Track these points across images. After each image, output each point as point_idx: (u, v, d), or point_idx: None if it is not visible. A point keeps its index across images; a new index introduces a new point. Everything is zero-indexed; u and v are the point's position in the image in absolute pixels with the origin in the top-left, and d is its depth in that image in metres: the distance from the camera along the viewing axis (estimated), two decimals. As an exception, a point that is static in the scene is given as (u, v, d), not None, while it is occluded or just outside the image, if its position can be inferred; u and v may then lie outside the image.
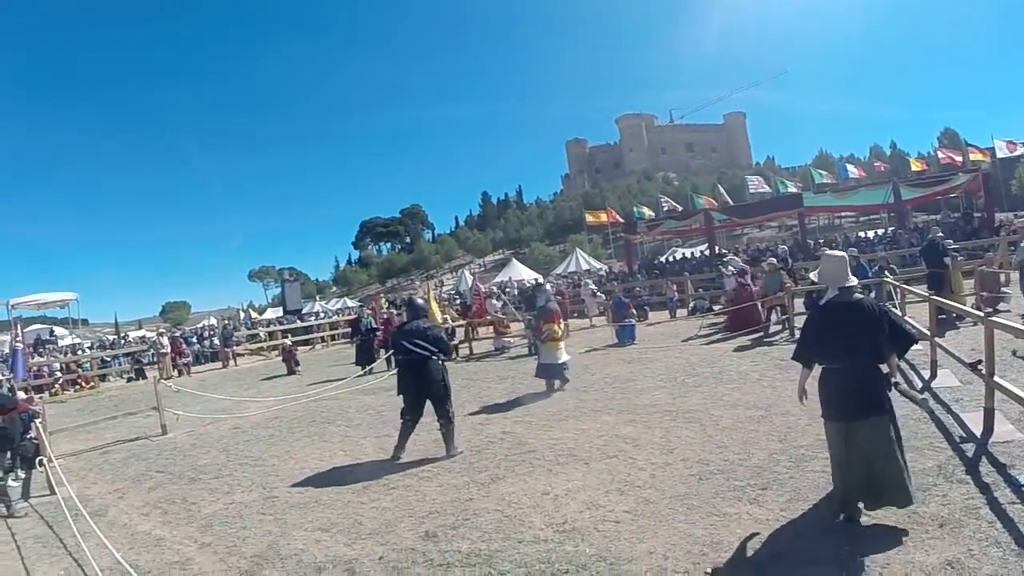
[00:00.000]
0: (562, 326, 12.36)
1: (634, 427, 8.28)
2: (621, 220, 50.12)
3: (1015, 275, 14.33)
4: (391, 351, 17.61)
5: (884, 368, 4.93)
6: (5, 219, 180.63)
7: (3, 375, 10.04)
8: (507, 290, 35.24)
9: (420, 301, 9.58)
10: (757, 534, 4.81)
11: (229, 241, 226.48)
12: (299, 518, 6.29)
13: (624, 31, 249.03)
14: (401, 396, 8.34)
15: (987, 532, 4.39)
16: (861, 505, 4.84)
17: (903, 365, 8.99)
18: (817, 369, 5.09)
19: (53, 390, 21.98)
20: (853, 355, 4.82)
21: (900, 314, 11.21)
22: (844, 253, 5.57)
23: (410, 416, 8.20)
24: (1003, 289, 14.70)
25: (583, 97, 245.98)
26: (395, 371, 15.98)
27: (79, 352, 33.75)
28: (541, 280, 40.44)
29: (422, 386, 8.14)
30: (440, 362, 8.35)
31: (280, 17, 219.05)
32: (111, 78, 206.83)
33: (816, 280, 5.71)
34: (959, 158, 39.95)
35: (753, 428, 7.56)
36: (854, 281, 5.10)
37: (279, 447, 9.64)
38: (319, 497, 6.89)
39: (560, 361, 11.60)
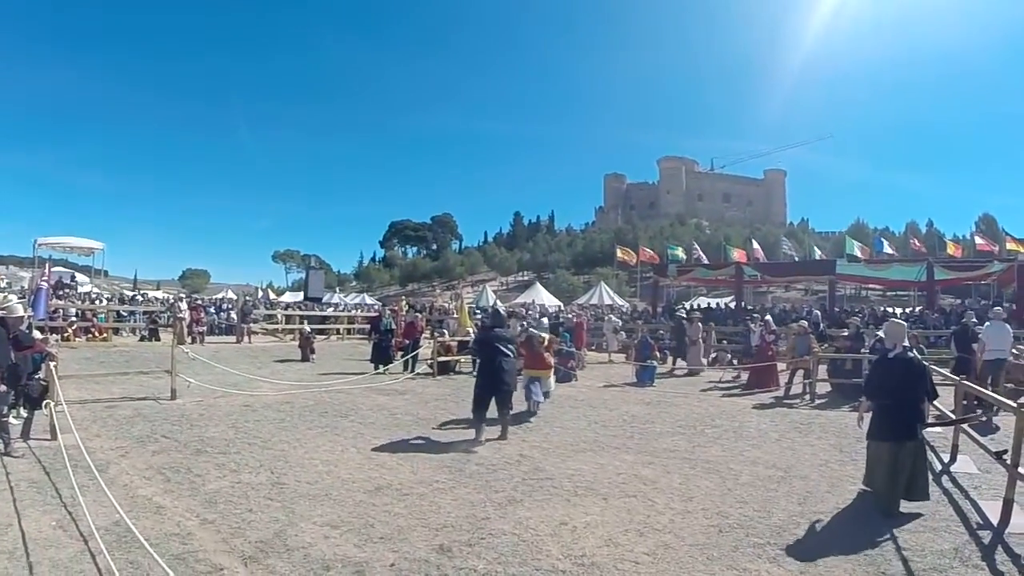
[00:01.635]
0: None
1: (652, 469, 8.10)
2: (655, 260, 49.86)
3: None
4: (409, 351, 17.75)
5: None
6: (49, 164, 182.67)
7: (28, 312, 9.92)
8: (529, 312, 35.13)
9: (503, 310, 11.06)
10: None
11: (258, 219, 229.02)
12: (308, 510, 6.09)
13: (675, 73, 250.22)
14: (478, 389, 9.72)
15: None
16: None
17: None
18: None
19: (66, 335, 21.86)
20: (904, 394, 6.83)
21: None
22: (904, 322, 7.73)
23: (485, 406, 9.55)
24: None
25: (627, 132, 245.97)
26: (413, 374, 16.22)
27: (97, 302, 33.67)
28: (560, 306, 40.39)
29: (501, 382, 9.64)
30: (514, 362, 10.11)
31: (345, 8, 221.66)
32: (170, 39, 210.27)
33: (884, 336, 7.86)
34: (995, 247, 39.55)
35: (773, 487, 7.41)
36: (907, 343, 7.15)
37: (290, 433, 9.46)
38: (329, 492, 6.69)
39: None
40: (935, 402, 7.59)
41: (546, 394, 12.01)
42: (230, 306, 35.90)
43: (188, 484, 6.78)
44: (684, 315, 23.46)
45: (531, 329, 12.56)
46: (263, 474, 7.25)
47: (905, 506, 6.54)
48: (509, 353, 9.92)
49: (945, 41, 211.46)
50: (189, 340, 22.86)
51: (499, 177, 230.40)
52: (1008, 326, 13.53)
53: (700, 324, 21.08)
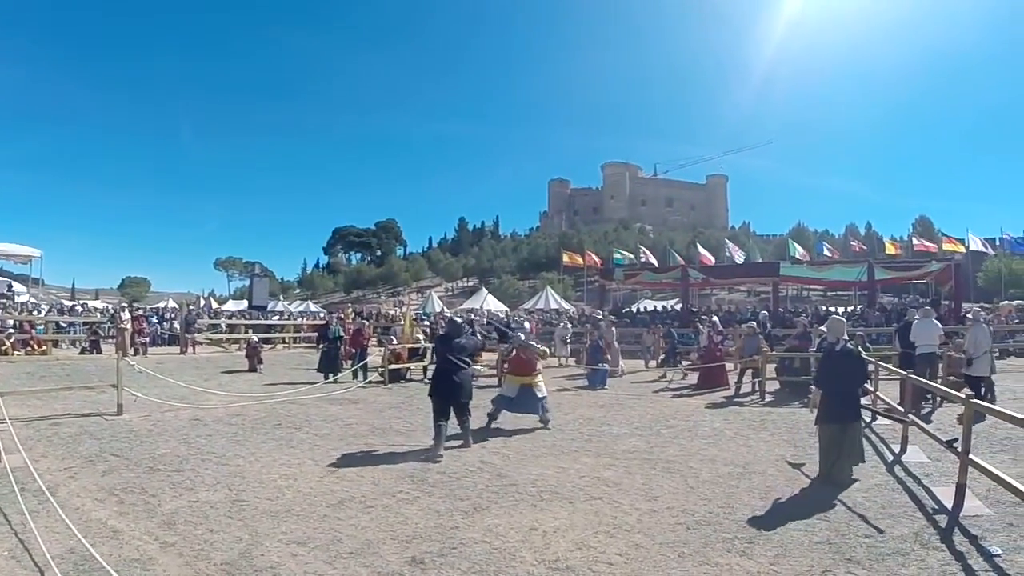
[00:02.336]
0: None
1: (614, 471, 8.13)
2: (600, 264, 50.24)
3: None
4: (357, 360, 17.53)
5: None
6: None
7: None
8: (477, 318, 35.07)
9: (459, 319, 11.25)
10: None
11: (199, 225, 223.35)
12: (271, 527, 5.88)
13: (620, 80, 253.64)
14: (433, 398, 9.46)
15: None
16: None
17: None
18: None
19: (3, 347, 20.96)
20: (849, 383, 7.89)
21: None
22: (843, 319, 8.89)
23: (443, 418, 9.27)
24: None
25: (571, 138, 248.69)
26: (363, 383, 16.03)
27: (35, 312, 32.47)
28: (508, 312, 40.42)
29: (456, 391, 9.46)
30: (470, 372, 10.00)
31: (293, 7, 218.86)
32: (108, 36, 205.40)
33: (826, 332, 9.02)
34: (933, 246, 40.89)
35: (733, 484, 7.55)
36: (846, 337, 8.26)
37: (244, 447, 9.21)
38: (291, 507, 6.49)
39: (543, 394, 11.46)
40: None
41: (542, 400, 11.32)
42: (172, 315, 34.97)
43: (143, 505, 6.49)
44: (600, 318, 23.65)
45: (529, 342, 11.91)
46: (221, 491, 7.01)
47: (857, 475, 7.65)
48: (463, 364, 9.69)
49: (882, 52, 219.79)
50: (132, 351, 22.19)
51: (444, 182, 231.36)
52: (936, 322, 13.99)
53: (614, 328, 21.73)
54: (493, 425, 10.87)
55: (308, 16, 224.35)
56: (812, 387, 8.83)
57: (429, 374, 18.65)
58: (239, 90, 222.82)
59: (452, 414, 9.47)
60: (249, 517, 6.14)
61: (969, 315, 15.39)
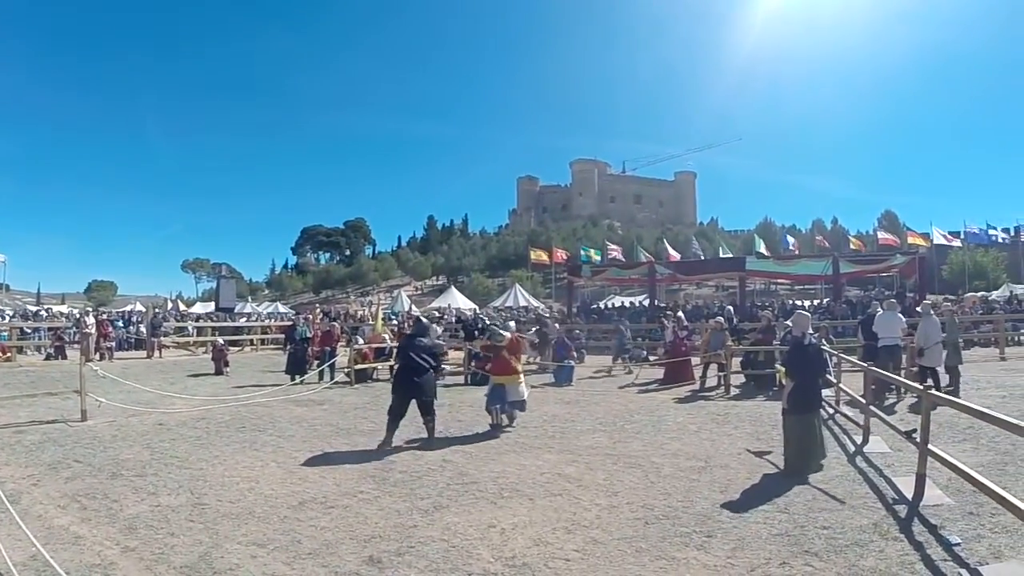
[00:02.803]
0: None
1: (576, 467, 8.23)
2: (566, 261, 50.43)
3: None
4: (326, 360, 17.48)
5: None
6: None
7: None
8: (445, 317, 35.09)
9: (425, 320, 11.44)
10: None
11: (167, 226, 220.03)
12: (231, 530, 5.92)
13: (589, 77, 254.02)
14: (393, 396, 9.78)
15: None
16: None
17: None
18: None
19: (-30, 355, 20.73)
20: (815, 374, 8.37)
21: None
22: (808, 313, 7.87)
23: (398, 413, 9.61)
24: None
25: (539, 136, 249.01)
26: (330, 383, 16.01)
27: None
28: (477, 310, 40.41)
29: (416, 391, 9.72)
30: (433, 373, 10.26)
31: (261, 3, 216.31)
32: (73, 32, 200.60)
33: (792, 326, 8.94)
34: (896, 240, 41.63)
35: (695, 478, 7.64)
36: (811, 331, 8.47)
37: (207, 451, 9.20)
38: (252, 509, 6.52)
39: (525, 397, 11.33)
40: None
41: (517, 404, 11.13)
42: (139, 319, 34.50)
43: (106, 511, 6.49)
44: (547, 316, 23.85)
45: (492, 326, 11.95)
46: (183, 495, 7.02)
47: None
48: (424, 363, 9.87)
49: (849, 47, 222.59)
50: (97, 356, 21.95)
51: (413, 181, 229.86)
52: (900, 315, 14.24)
53: (557, 324, 22.23)
54: (505, 426, 10.93)
55: (275, 14, 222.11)
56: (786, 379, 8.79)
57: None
58: (205, 89, 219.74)
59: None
60: (210, 520, 6.17)
61: (919, 308, 15.71)
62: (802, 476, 7.46)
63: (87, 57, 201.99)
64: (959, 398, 10.48)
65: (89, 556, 5.28)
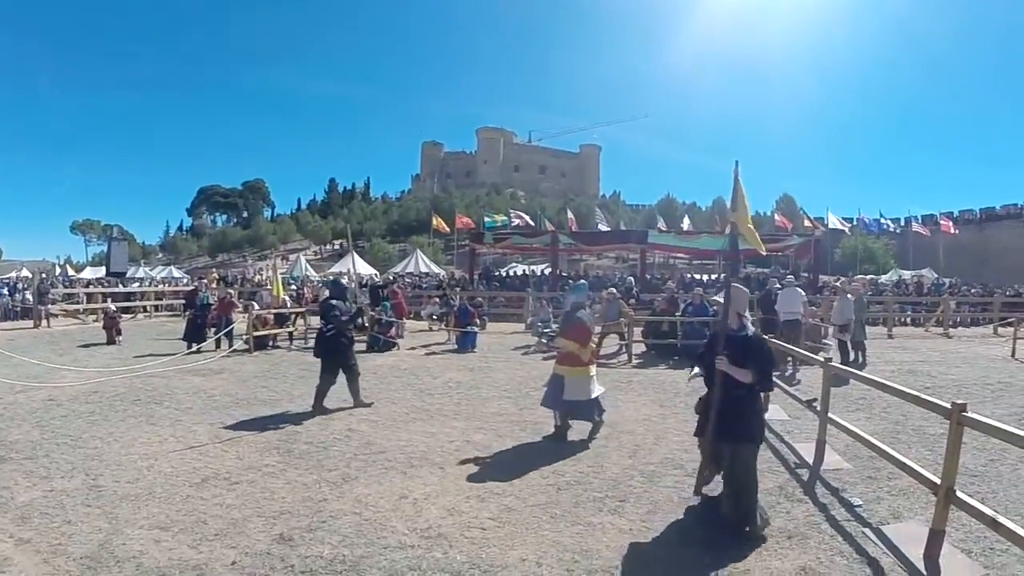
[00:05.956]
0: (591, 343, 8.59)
1: (484, 435, 8.25)
2: (472, 226, 50.29)
3: (832, 329, 15.98)
4: (222, 328, 16.92)
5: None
6: None
7: None
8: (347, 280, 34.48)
9: (344, 281, 11.03)
10: (623, 543, 4.98)
11: (55, 186, 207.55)
12: (132, 513, 5.55)
13: (499, 45, 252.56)
14: (321, 360, 9.80)
15: (830, 544, 4.96)
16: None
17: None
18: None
19: None
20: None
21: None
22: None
23: (330, 377, 9.71)
24: (824, 341, 16.06)
25: (446, 101, 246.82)
26: (228, 352, 15.49)
27: None
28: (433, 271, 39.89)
29: (341, 352, 9.76)
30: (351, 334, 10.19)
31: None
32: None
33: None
34: (792, 223, 43.44)
35: (602, 443, 7.75)
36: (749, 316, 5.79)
37: (101, 427, 8.61)
38: (152, 489, 6.14)
39: (593, 396, 8.20)
40: None
41: (575, 406, 8.10)
42: (25, 286, 32.47)
43: None
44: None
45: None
46: (77, 478, 6.52)
47: None
48: (342, 326, 9.79)
49: (757, 39, 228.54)
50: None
51: (314, 141, 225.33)
52: (800, 291, 14.95)
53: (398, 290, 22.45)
54: (565, 431, 8.18)
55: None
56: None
57: (295, 340, 18.36)
58: (98, 40, 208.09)
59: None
60: (108, 504, 5.77)
61: (836, 287, 16.82)
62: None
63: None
64: (864, 371, 11.19)
65: (-19, 553, 4.83)
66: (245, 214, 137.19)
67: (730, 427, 5.17)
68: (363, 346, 16.64)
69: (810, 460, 7.00)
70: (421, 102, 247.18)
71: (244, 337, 16.54)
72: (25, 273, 46.60)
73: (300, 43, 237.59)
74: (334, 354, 9.73)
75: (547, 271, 36.67)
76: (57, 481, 6.43)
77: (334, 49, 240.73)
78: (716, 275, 36.22)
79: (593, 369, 8.27)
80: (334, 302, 9.93)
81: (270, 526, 5.26)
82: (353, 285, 14.93)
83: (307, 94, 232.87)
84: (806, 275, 29.84)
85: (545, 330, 17.25)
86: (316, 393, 9.67)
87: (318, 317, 11.18)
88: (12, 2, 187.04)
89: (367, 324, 11.32)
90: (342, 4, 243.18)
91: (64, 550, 4.85)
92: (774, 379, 5.84)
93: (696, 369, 5.89)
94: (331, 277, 16.57)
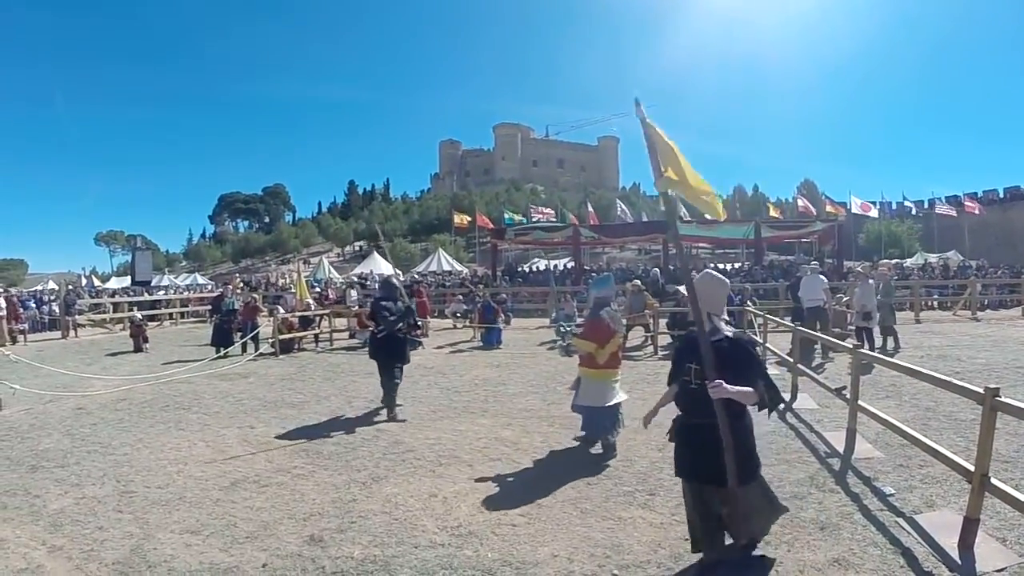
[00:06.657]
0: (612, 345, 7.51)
1: (512, 431, 8.23)
2: (491, 225, 50.27)
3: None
4: (248, 332, 17.04)
5: None
6: None
7: None
8: (367, 283, 34.61)
9: (395, 281, 10.60)
10: (654, 538, 4.94)
11: (78, 199, 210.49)
12: (163, 518, 5.60)
13: (513, 41, 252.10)
14: (376, 362, 9.53)
15: (863, 534, 4.84)
16: None
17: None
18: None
19: None
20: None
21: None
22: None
23: (385, 377, 9.41)
24: (848, 327, 15.83)
25: (462, 100, 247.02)
26: (254, 355, 15.58)
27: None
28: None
29: (393, 352, 9.45)
30: (405, 334, 9.75)
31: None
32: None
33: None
34: (814, 209, 43.09)
35: (631, 437, 7.58)
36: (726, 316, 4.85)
37: (131, 434, 8.71)
38: (183, 494, 6.19)
39: (609, 403, 7.36)
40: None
41: (583, 412, 7.52)
42: (52, 298, 32.82)
43: (28, 508, 6.00)
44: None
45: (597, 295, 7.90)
46: (108, 484, 6.58)
47: None
48: (394, 326, 9.40)
49: (780, 20, 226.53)
50: (10, 340, 20.87)
51: (333, 145, 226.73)
52: (823, 278, 14.76)
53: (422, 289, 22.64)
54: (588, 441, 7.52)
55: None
56: None
57: (321, 343, 18.44)
58: (117, 54, 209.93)
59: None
60: (139, 509, 5.82)
61: (855, 272, 16.54)
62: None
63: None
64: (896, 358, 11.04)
65: (15, 560, 4.86)
66: (267, 219, 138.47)
67: (738, 467, 3.95)
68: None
69: (840, 449, 6.90)
70: (437, 101, 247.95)
71: (270, 340, 16.64)
72: (52, 285, 47.15)
73: (313, 50, 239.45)
74: (388, 353, 9.46)
75: (569, 264, 36.62)
76: (88, 488, 6.49)
77: (347, 54, 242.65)
78: (740, 263, 36.01)
79: (616, 374, 7.49)
80: (384, 303, 9.63)
81: (300, 527, 5.27)
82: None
83: (323, 99, 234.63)
84: (830, 261, 29.55)
85: (568, 328, 16.15)
86: (385, 396, 9.42)
87: (340, 318, 11.07)
88: (23, 21, 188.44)
89: (418, 324, 11.05)
90: (352, 10, 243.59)
91: (96, 556, 4.89)
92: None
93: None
94: (381, 277, 16.65)
